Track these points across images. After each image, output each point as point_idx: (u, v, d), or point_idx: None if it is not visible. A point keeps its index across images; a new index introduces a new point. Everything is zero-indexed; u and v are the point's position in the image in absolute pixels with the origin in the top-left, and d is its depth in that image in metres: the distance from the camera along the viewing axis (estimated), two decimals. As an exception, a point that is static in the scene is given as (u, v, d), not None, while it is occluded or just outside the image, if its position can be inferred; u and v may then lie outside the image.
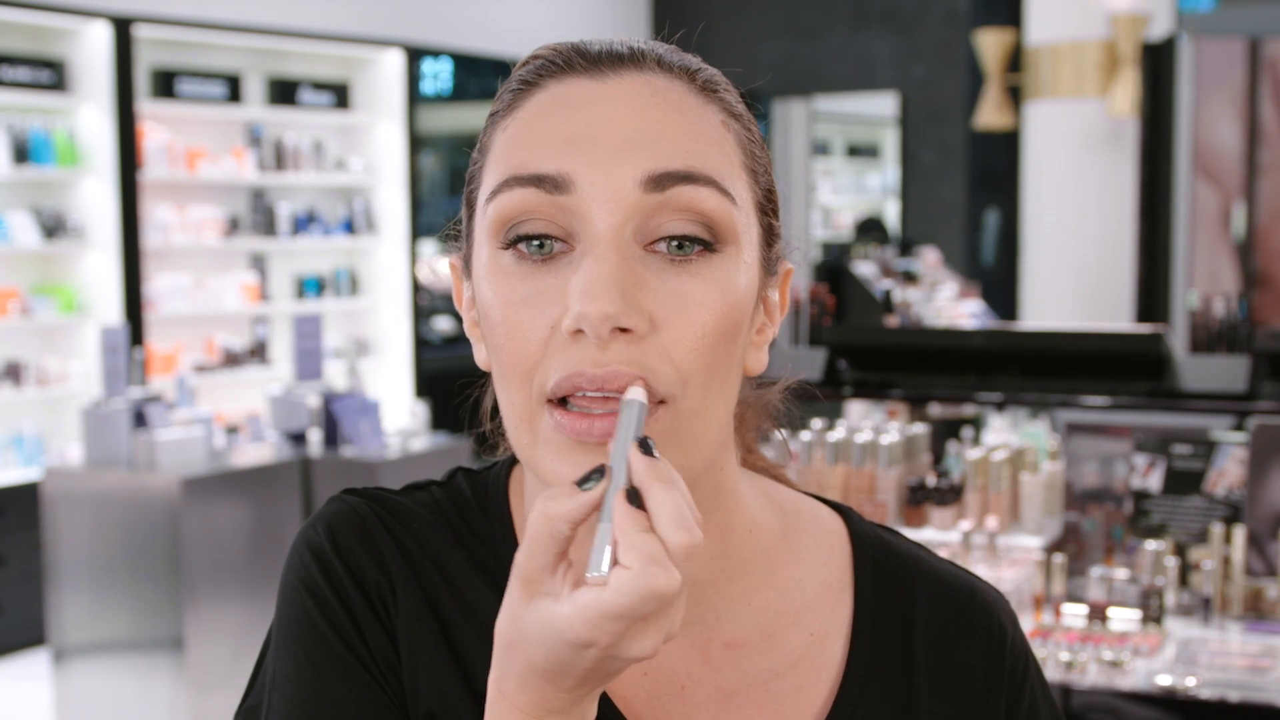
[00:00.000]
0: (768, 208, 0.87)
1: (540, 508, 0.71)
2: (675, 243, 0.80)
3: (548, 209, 0.79)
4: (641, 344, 0.78)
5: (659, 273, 0.79)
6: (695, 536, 0.70)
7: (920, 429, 3.35)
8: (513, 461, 0.96)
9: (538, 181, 0.79)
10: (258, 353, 7.20)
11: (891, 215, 10.05)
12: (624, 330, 0.77)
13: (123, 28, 6.31)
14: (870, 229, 9.58)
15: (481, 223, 0.83)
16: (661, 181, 0.79)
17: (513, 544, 0.91)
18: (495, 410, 0.99)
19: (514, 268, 0.80)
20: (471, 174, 0.87)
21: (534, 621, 0.71)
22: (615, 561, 0.69)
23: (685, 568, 0.70)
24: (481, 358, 0.88)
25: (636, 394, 0.75)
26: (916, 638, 0.93)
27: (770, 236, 0.87)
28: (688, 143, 0.81)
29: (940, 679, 0.92)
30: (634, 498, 0.71)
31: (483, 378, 0.94)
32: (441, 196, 9.00)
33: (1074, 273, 8.02)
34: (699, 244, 0.80)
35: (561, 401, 0.79)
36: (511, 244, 0.81)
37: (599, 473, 0.72)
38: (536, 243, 0.80)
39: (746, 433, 0.98)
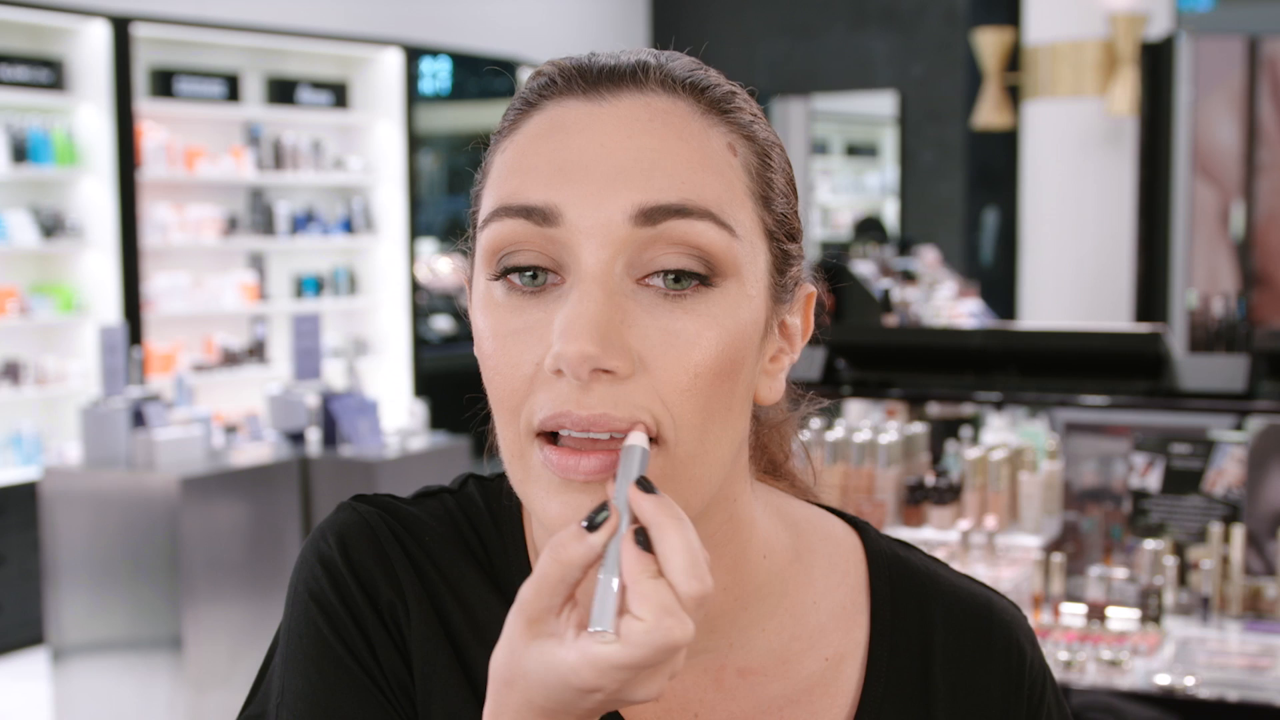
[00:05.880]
0: (779, 233, 0.82)
1: (551, 552, 0.70)
2: (671, 276, 0.76)
3: (538, 240, 0.77)
4: (626, 385, 0.74)
5: (650, 309, 0.76)
6: (707, 585, 0.69)
7: (919, 428, 3.35)
8: None
9: (526, 213, 0.77)
10: (256, 352, 7.19)
11: (890, 214, 10.06)
12: (606, 371, 0.74)
13: (121, 27, 6.31)
14: (869, 228, 9.59)
15: (478, 249, 0.81)
16: (653, 215, 0.75)
17: (524, 564, 0.89)
18: None
19: (505, 299, 0.78)
20: (474, 195, 0.85)
21: (536, 662, 0.70)
22: (623, 611, 0.69)
23: (696, 615, 0.69)
24: None
25: (638, 439, 0.73)
26: (934, 660, 0.91)
27: (783, 263, 0.83)
28: (684, 172, 0.77)
29: (958, 702, 0.90)
30: (642, 539, 0.70)
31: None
32: (440, 196, 9.00)
33: (1073, 272, 8.02)
34: (695, 278, 0.76)
35: (552, 437, 0.76)
36: (502, 274, 0.78)
37: (605, 509, 0.71)
38: (529, 274, 0.77)
39: (774, 453, 0.95)
